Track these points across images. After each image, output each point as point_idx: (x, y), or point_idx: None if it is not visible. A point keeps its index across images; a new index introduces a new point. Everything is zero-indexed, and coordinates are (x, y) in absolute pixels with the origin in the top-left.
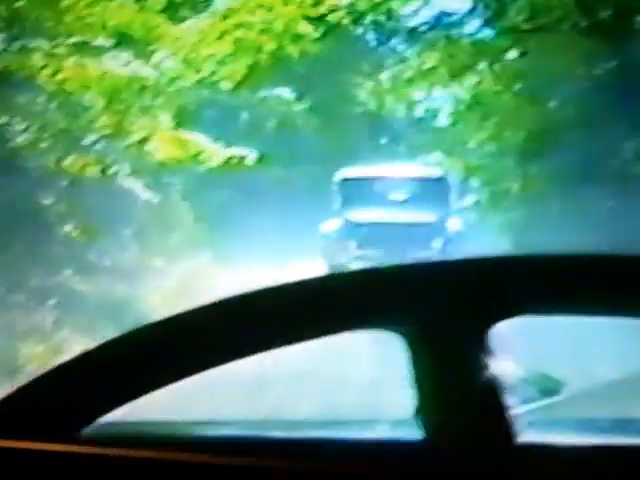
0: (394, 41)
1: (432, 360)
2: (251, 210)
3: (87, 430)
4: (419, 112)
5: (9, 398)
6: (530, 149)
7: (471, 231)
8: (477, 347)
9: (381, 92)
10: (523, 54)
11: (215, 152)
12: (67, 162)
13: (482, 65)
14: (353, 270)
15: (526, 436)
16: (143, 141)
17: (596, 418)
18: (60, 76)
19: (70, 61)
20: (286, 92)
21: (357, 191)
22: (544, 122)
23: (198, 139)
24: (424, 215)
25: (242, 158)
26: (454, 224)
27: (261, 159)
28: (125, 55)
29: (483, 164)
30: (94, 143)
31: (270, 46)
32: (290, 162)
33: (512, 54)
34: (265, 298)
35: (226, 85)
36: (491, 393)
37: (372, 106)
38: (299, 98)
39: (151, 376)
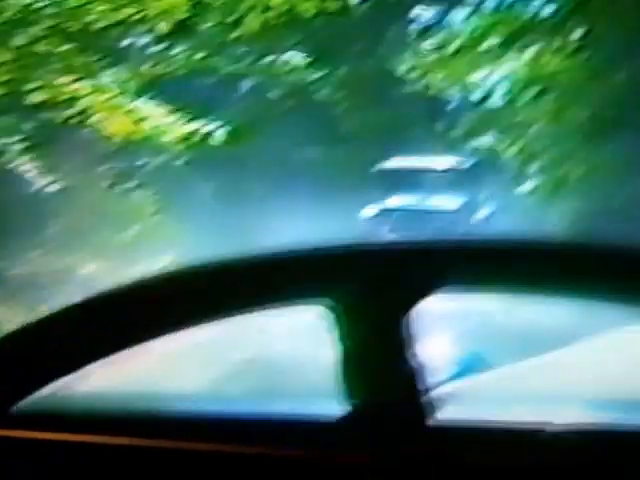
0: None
1: (355, 336)
2: (245, 201)
3: (19, 406)
4: (469, 89)
5: None
6: (594, 130)
7: (520, 218)
8: (398, 325)
9: (424, 64)
10: (588, 30)
11: (170, 126)
12: None
13: (541, 33)
14: (288, 248)
15: (445, 414)
16: (78, 113)
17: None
18: None
19: None
20: (298, 57)
21: (394, 180)
22: (610, 99)
23: (149, 109)
24: (453, 202)
25: (207, 135)
26: (483, 211)
27: (234, 136)
28: None
29: (542, 147)
30: None
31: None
32: (303, 143)
33: (576, 29)
34: (198, 273)
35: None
36: (410, 370)
37: (413, 81)
38: (316, 65)
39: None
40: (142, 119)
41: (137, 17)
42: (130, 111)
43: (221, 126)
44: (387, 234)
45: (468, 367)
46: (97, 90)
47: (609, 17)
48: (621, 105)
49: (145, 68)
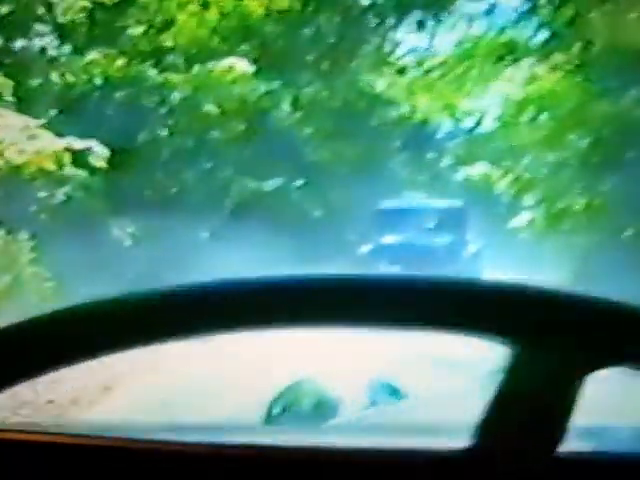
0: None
1: (523, 381)
2: (173, 246)
3: None
4: (458, 114)
5: None
6: (598, 157)
7: (520, 254)
8: (569, 388)
9: (407, 86)
10: (586, 46)
11: (32, 142)
12: None
13: (534, 52)
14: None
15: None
16: None
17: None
18: None
19: None
20: (243, 64)
21: (391, 220)
22: (617, 121)
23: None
24: (444, 239)
25: (83, 154)
26: (471, 247)
27: (121, 157)
28: None
29: (538, 176)
30: None
31: None
32: (253, 174)
33: (573, 45)
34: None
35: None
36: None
37: (395, 104)
38: (267, 74)
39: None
40: None
41: None
42: None
43: (97, 145)
44: (386, 267)
45: (381, 396)
46: None
47: (611, 32)
48: (629, 129)
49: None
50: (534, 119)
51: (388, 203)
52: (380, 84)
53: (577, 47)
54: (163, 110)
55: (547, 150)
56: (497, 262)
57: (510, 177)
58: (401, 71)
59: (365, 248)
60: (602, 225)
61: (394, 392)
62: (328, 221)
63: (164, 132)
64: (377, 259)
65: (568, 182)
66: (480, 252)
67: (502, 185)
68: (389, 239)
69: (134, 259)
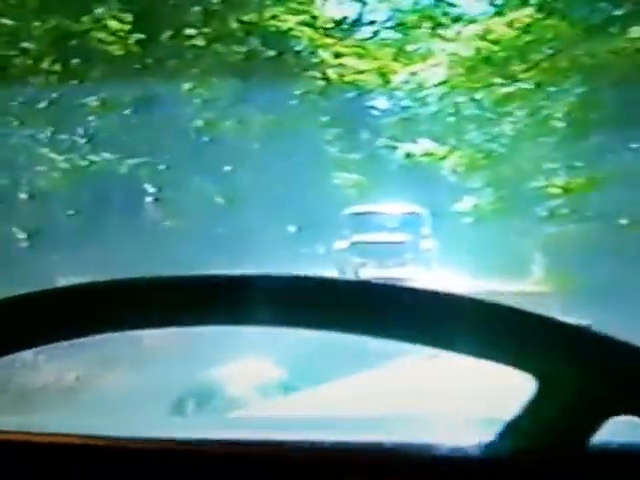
0: None
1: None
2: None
3: None
4: (396, 81)
5: None
6: (591, 115)
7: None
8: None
9: (329, 43)
10: None
11: None
12: None
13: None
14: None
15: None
16: None
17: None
18: None
19: None
20: None
21: (360, 221)
22: (618, 66)
23: None
24: (402, 237)
25: None
26: (425, 244)
27: None
28: None
29: (493, 152)
30: None
31: None
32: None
33: None
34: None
35: None
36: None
37: (311, 59)
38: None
39: None
40: None
41: None
42: None
43: None
44: (356, 260)
45: (272, 391)
46: None
47: None
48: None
49: None
50: (496, 75)
51: (360, 208)
52: (294, 33)
53: None
54: None
55: (514, 111)
56: (452, 257)
57: (460, 153)
58: (325, 29)
59: (340, 245)
60: (587, 210)
61: (284, 387)
62: (234, 212)
63: None
64: (349, 255)
65: (542, 154)
66: (434, 247)
67: (450, 163)
68: (359, 237)
69: None
